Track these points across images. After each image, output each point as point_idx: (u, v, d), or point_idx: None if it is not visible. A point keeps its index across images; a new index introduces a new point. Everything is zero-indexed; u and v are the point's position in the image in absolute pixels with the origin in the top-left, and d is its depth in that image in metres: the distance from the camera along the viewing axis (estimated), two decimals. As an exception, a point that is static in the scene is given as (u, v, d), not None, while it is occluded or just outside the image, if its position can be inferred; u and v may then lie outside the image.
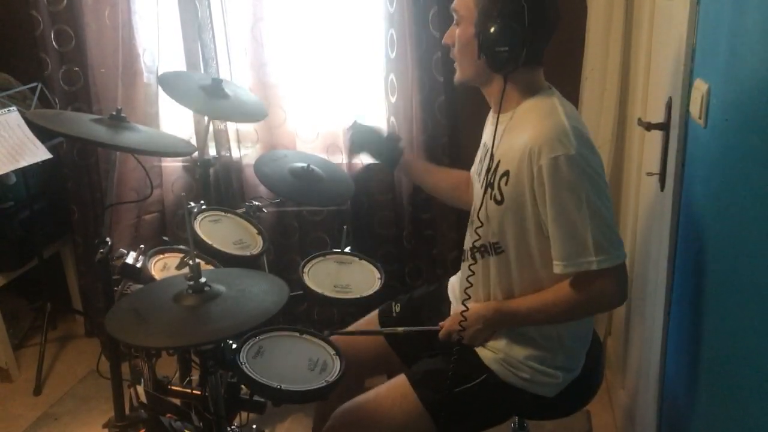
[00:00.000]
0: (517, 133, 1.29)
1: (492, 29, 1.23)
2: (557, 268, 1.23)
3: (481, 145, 1.49)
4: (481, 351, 1.41)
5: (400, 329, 1.53)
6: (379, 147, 1.69)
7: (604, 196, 1.22)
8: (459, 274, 1.55)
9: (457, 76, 1.39)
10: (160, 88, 2.40)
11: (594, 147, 1.26)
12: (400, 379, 1.42)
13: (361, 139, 1.69)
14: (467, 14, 1.30)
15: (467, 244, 1.44)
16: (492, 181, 1.32)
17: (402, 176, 1.82)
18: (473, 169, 1.53)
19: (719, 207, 1.19)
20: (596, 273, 1.20)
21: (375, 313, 1.68)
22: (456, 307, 1.48)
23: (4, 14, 2.60)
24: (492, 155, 1.34)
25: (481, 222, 1.36)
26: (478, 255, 1.39)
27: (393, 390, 1.42)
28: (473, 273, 1.39)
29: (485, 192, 1.34)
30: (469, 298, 1.37)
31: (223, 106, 1.87)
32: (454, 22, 1.36)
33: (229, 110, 1.91)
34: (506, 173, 1.28)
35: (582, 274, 1.22)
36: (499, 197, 1.30)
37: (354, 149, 1.72)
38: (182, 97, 1.83)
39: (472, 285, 1.38)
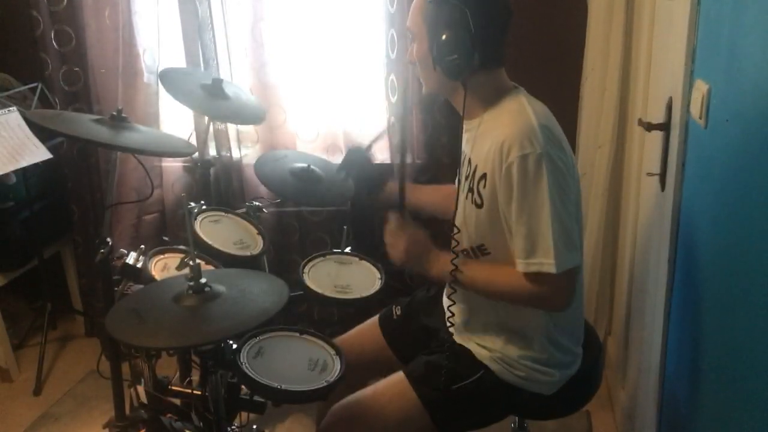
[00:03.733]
0: (488, 136, 1.30)
1: (441, 39, 1.26)
2: (519, 266, 1.25)
3: (462, 153, 1.49)
4: (477, 349, 1.41)
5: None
6: (365, 177, 1.69)
7: (568, 199, 1.24)
8: None
9: (424, 90, 1.44)
10: (160, 87, 2.41)
11: (563, 145, 1.27)
12: (398, 376, 1.43)
13: (353, 161, 1.69)
14: (418, 30, 1.33)
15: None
16: (472, 186, 1.33)
17: (385, 203, 1.80)
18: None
19: (720, 207, 1.19)
20: (550, 275, 1.22)
21: (375, 318, 1.68)
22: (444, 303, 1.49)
23: (4, 14, 2.60)
24: (470, 161, 1.36)
25: (458, 228, 1.37)
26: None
27: (391, 387, 1.42)
28: (455, 290, 1.40)
29: (466, 197, 1.35)
30: (454, 303, 1.40)
31: (222, 106, 1.87)
32: (410, 39, 1.38)
33: (229, 112, 1.92)
34: (484, 176, 1.30)
35: (538, 273, 1.23)
36: (479, 201, 1.32)
37: (342, 167, 1.71)
38: (182, 96, 1.83)
39: (455, 291, 1.38)
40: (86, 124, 1.58)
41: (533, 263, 1.23)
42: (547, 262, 1.21)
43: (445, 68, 1.29)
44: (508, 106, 1.31)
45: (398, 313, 1.65)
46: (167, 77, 1.86)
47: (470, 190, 1.34)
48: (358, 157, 1.69)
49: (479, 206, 1.32)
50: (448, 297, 1.41)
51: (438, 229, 1.46)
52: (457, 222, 1.38)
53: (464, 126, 1.38)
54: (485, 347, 1.40)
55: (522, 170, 1.20)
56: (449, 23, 1.25)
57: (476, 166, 1.33)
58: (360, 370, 1.56)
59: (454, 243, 1.38)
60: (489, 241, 1.34)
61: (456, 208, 1.38)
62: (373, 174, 1.69)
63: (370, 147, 1.71)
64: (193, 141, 2.41)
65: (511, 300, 1.33)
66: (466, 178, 1.37)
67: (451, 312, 1.39)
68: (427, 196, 1.73)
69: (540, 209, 1.21)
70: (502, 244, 1.31)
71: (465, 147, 1.40)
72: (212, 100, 1.85)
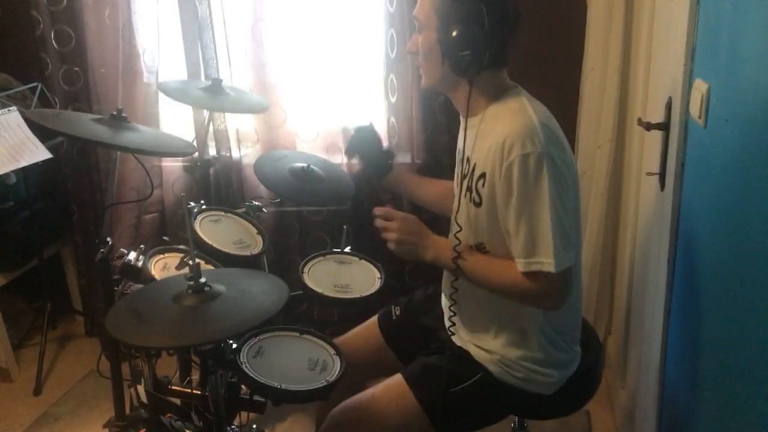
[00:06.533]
0: (489, 134, 1.30)
1: (453, 33, 1.24)
2: (519, 265, 1.25)
3: (457, 151, 1.48)
4: (476, 351, 1.41)
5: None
6: (373, 156, 1.70)
7: (567, 199, 1.24)
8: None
9: (423, 83, 1.40)
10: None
11: (564, 144, 1.27)
12: (397, 379, 1.42)
13: (359, 142, 1.70)
14: (428, 21, 1.31)
15: None
16: (471, 184, 1.33)
17: (390, 189, 1.81)
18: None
19: (719, 207, 1.19)
20: (549, 274, 1.22)
21: (375, 318, 1.68)
22: (445, 304, 1.48)
23: (4, 14, 2.60)
24: (468, 159, 1.36)
25: (460, 226, 1.37)
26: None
27: (390, 389, 1.42)
28: (457, 278, 1.40)
29: (464, 196, 1.35)
30: (456, 303, 1.39)
31: (223, 100, 1.87)
32: (416, 29, 1.36)
33: (230, 103, 1.92)
34: (483, 175, 1.29)
35: (538, 272, 1.23)
36: (478, 200, 1.32)
37: (349, 150, 1.72)
38: (182, 96, 1.83)
39: (457, 290, 1.38)
40: (86, 124, 1.58)
41: (533, 262, 1.23)
42: (546, 262, 1.21)
43: (454, 63, 1.27)
44: (510, 105, 1.31)
45: (397, 313, 1.65)
46: (167, 88, 1.87)
47: (469, 188, 1.34)
48: (366, 135, 1.69)
49: (478, 205, 1.32)
50: (449, 297, 1.41)
51: (439, 227, 1.46)
52: (460, 221, 1.37)
53: (466, 123, 1.37)
54: (484, 349, 1.40)
55: (523, 169, 1.20)
56: (464, 18, 1.23)
57: (475, 165, 1.33)
58: (360, 371, 1.56)
59: (455, 241, 1.38)
60: (487, 239, 1.34)
61: (458, 206, 1.37)
62: (381, 153, 1.70)
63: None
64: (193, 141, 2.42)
65: (506, 294, 1.32)
66: (464, 177, 1.37)
67: (452, 311, 1.38)
68: (428, 189, 1.73)
69: (540, 209, 1.21)
70: (500, 243, 1.31)
71: (462, 144, 1.39)
72: (211, 96, 1.85)
